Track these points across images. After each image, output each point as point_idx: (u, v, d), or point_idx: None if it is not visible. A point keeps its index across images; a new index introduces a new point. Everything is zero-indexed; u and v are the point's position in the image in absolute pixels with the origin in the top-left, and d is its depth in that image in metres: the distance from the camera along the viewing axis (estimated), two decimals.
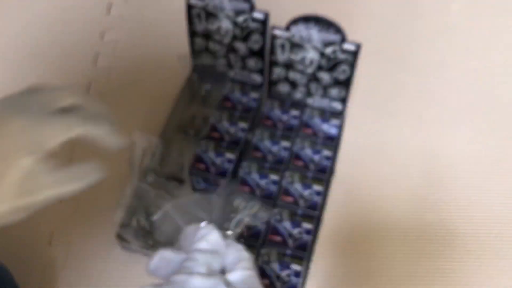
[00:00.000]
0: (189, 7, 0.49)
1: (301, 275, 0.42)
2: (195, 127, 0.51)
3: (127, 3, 0.66)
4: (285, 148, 0.49)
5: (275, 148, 0.49)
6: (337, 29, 0.44)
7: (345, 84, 0.49)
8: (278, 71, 0.50)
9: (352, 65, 0.47)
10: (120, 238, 0.45)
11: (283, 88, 0.52)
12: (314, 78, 0.50)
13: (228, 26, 0.49)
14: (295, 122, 0.51)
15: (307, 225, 0.45)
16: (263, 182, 0.47)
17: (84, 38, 0.63)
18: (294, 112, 0.52)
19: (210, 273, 0.26)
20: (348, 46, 0.45)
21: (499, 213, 0.50)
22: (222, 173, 0.47)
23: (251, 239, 0.44)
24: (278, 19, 0.47)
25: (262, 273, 0.43)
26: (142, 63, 0.60)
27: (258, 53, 0.50)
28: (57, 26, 0.64)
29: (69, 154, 0.50)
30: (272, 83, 0.52)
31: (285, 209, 0.46)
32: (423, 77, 0.59)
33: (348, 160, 0.52)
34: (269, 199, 0.46)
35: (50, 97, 0.28)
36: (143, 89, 0.58)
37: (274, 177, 0.47)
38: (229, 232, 0.33)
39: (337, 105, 0.51)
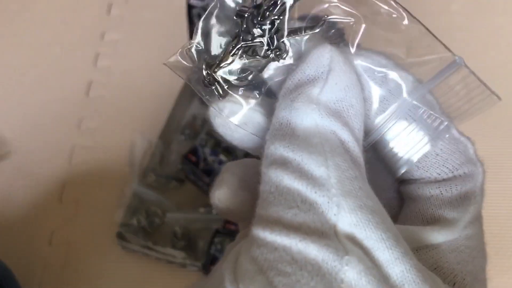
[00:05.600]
0: (189, 7, 0.49)
1: None
2: (195, 128, 0.51)
3: (127, 3, 0.66)
4: None
5: None
6: None
7: None
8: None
9: None
10: (120, 237, 0.45)
11: None
12: None
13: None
14: None
15: None
16: None
17: (84, 38, 0.63)
18: None
19: None
20: None
21: (498, 213, 0.50)
22: (208, 172, 0.47)
23: None
24: None
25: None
26: (142, 63, 0.60)
27: None
28: (57, 26, 0.64)
29: (69, 154, 0.50)
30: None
31: None
32: None
33: None
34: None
35: None
36: (143, 89, 0.58)
37: None
38: None
39: None
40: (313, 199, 0.16)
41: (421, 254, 0.18)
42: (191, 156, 0.48)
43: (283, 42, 0.20)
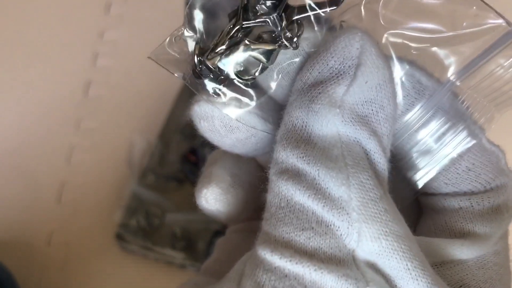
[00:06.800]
0: (189, 7, 0.49)
1: None
2: (194, 127, 0.51)
3: (127, 2, 0.66)
4: None
5: None
6: None
7: None
8: None
9: None
10: (120, 238, 0.45)
11: None
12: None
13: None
14: None
15: None
16: None
17: (83, 37, 0.62)
18: None
19: None
20: None
21: None
22: None
23: None
24: None
25: None
26: (142, 63, 0.60)
27: None
28: (56, 25, 0.63)
29: (68, 154, 0.50)
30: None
31: None
32: None
33: None
34: None
35: None
36: (142, 89, 0.58)
37: None
38: None
39: None
40: (331, 221, 0.14)
41: (445, 269, 0.16)
42: (190, 156, 0.48)
43: (296, 21, 0.16)
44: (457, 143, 0.17)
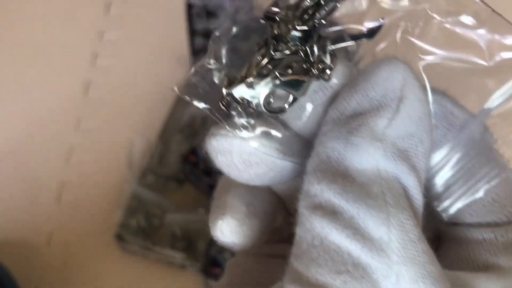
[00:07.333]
0: (189, 6, 0.49)
1: None
2: (194, 127, 0.51)
3: (126, 2, 0.66)
4: None
5: None
6: None
7: None
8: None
9: None
10: (120, 238, 0.45)
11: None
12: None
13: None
14: None
15: None
16: None
17: (83, 38, 0.62)
18: None
19: None
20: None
21: None
22: (208, 172, 0.47)
23: None
24: None
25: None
26: (141, 63, 0.60)
27: None
28: (55, 25, 0.63)
29: (68, 154, 0.50)
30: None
31: None
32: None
33: None
34: None
35: None
36: (142, 89, 0.58)
37: None
38: None
39: None
40: (368, 264, 0.13)
41: None
42: (190, 156, 0.48)
43: (329, 52, 0.15)
44: (486, 176, 0.16)
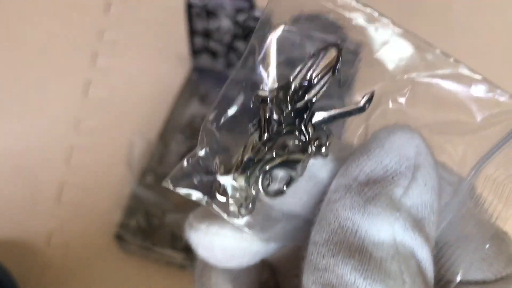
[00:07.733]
0: (189, 6, 0.49)
1: None
2: (194, 128, 0.51)
3: (126, 2, 0.66)
4: None
5: None
6: None
7: None
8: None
9: None
10: (119, 238, 0.45)
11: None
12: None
13: (229, 25, 0.49)
14: None
15: None
16: None
17: (82, 37, 0.62)
18: None
19: None
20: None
21: None
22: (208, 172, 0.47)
23: None
24: None
25: None
26: (141, 63, 0.60)
27: None
28: (55, 25, 0.63)
29: (68, 154, 0.50)
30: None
31: None
32: None
33: None
34: None
35: None
36: (142, 89, 0.58)
37: None
38: None
39: None
40: None
41: None
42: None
43: (323, 129, 0.15)
44: (474, 238, 0.16)
